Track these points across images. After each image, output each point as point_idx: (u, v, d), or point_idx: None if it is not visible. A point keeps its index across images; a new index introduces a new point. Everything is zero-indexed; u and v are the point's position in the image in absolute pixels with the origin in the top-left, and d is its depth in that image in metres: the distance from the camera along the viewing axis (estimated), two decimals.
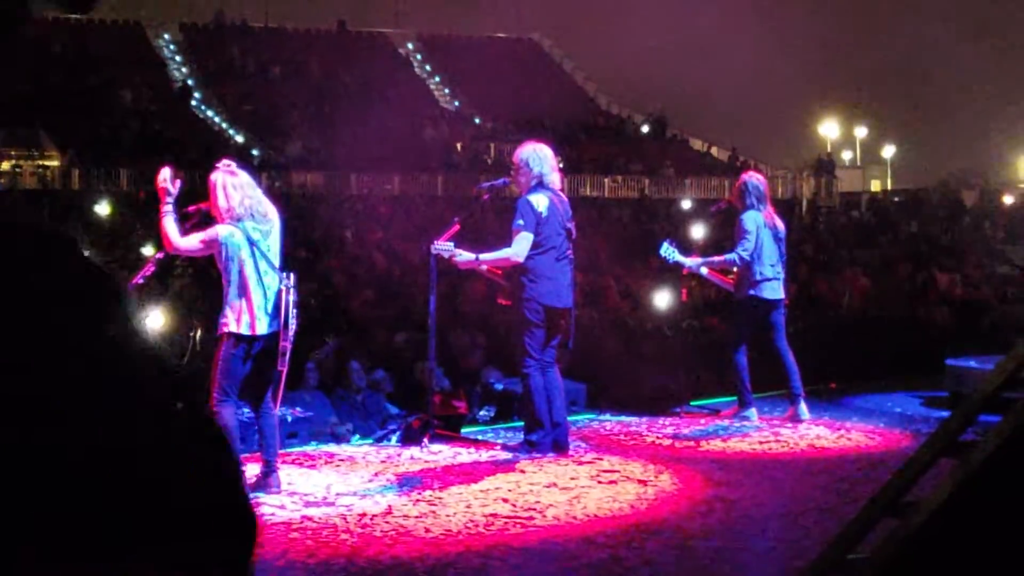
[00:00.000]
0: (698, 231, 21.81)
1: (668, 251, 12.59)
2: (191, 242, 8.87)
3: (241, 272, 8.71)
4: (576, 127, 52.72)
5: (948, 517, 4.54)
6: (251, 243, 8.74)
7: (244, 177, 8.94)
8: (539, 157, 10.54)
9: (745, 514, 8.42)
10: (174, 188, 8.93)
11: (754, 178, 12.65)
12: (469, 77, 61.14)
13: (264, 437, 8.96)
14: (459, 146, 50.68)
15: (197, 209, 9.10)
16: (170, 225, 8.82)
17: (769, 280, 12.19)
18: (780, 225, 12.49)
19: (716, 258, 12.68)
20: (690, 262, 12.63)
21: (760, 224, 12.22)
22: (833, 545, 5.12)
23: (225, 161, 9.07)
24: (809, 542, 7.56)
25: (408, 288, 18.44)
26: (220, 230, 8.74)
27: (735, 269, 12.38)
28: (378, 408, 12.32)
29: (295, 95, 52.27)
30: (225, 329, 8.73)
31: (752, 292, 12.19)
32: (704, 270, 12.63)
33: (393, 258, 21.82)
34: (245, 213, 8.77)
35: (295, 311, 8.81)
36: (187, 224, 9.17)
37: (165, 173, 8.94)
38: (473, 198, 13.42)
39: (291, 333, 8.77)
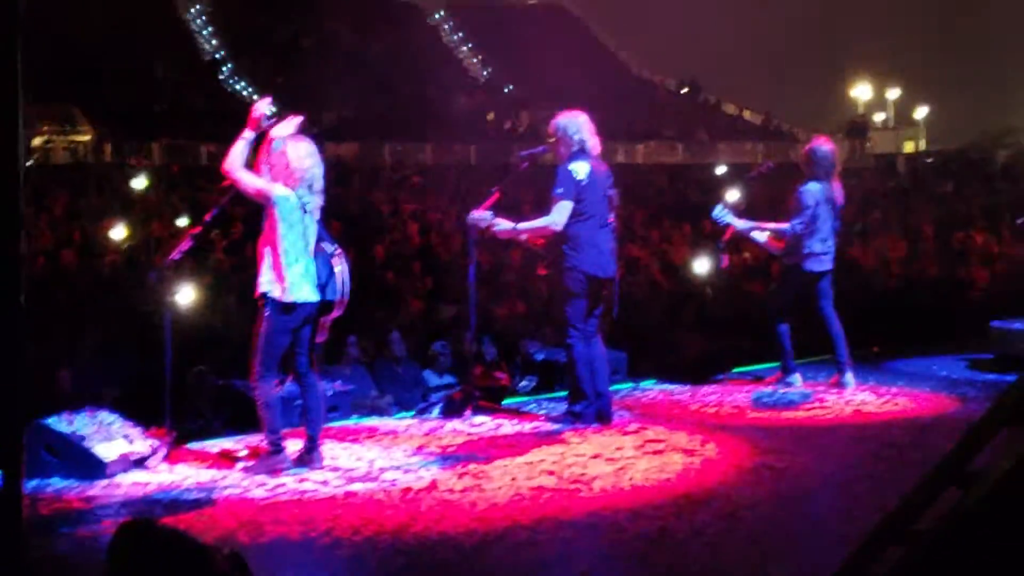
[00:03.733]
0: (733, 195, 21.64)
1: (721, 213, 12.25)
2: (247, 177, 8.61)
3: (287, 236, 8.57)
4: (608, 93, 52.38)
5: (1017, 485, 4.41)
6: (304, 211, 8.62)
7: (311, 146, 8.80)
8: (577, 125, 10.39)
9: (795, 483, 8.30)
10: (266, 122, 8.76)
11: (825, 146, 12.13)
12: (500, 45, 60.96)
13: (309, 411, 8.86)
14: (491, 115, 50.50)
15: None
16: (240, 149, 8.61)
17: (817, 255, 11.87)
18: (840, 198, 12.09)
19: (769, 224, 12.33)
20: (742, 224, 12.30)
21: (820, 199, 11.81)
22: (893, 515, 4.99)
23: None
24: (861, 511, 7.44)
25: (444, 259, 18.38)
26: (276, 188, 8.57)
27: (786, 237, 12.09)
28: (416, 379, 12.24)
29: (326, 65, 52.13)
30: (263, 290, 8.58)
31: (798, 263, 11.93)
32: (755, 234, 12.35)
33: (429, 229, 21.74)
34: (305, 183, 8.63)
35: (347, 280, 8.72)
36: (224, 198, 9.08)
37: (263, 105, 8.79)
38: (510, 167, 13.27)
39: (344, 302, 8.70)
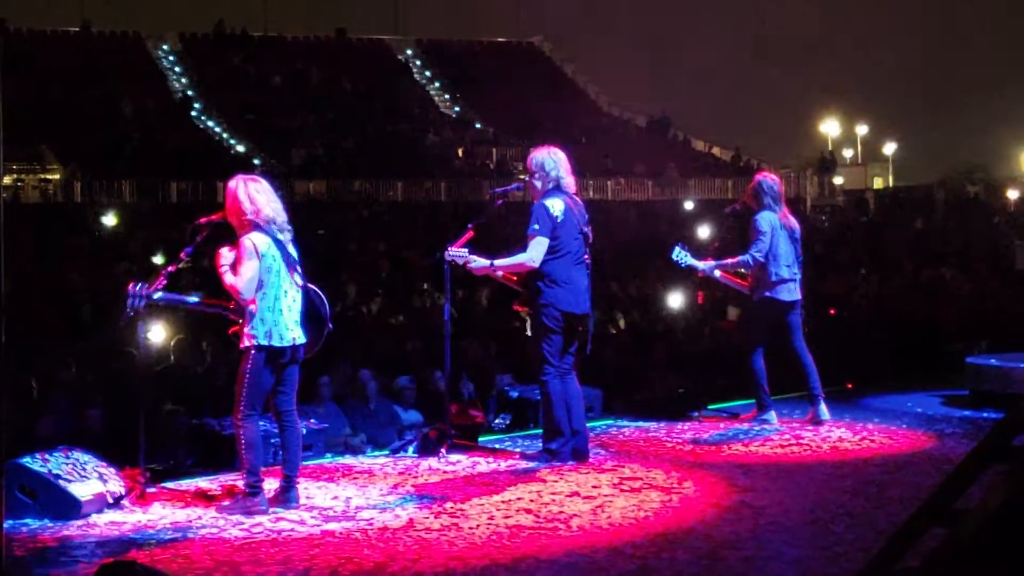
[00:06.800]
0: (704, 231, 21.68)
1: (680, 255, 12.35)
2: (248, 280, 8.52)
3: (272, 281, 8.52)
4: (578, 130, 52.44)
5: (1004, 525, 4.38)
6: (282, 250, 8.56)
7: (265, 184, 8.74)
8: (555, 161, 10.37)
9: (774, 521, 8.25)
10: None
11: (768, 178, 12.43)
12: (469, 82, 61.00)
13: (288, 451, 8.79)
14: (460, 152, 50.52)
15: (208, 221, 8.92)
16: (229, 278, 8.56)
17: (785, 281, 12.00)
18: (796, 225, 12.29)
19: (729, 260, 12.39)
20: (703, 265, 12.37)
21: (775, 225, 12.03)
22: (879, 555, 4.96)
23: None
24: (841, 549, 7.42)
25: (416, 295, 18.35)
26: (256, 241, 8.51)
27: (749, 271, 12.18)
28: (390, 417, 12.18)
29: (296, 104, 52.12)
30: (253, 342, 8.51)
31: (768, 294, 12.01)
32: (718, 273, 12.40)
33: (399, 265, 21.72)
34: (271, 219, 8.56)
35: (327, 309, 8.73)
36: (197, 238, 8.98)
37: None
38: (485, 203, 13.25)
39: (329, 331, 8.73)
